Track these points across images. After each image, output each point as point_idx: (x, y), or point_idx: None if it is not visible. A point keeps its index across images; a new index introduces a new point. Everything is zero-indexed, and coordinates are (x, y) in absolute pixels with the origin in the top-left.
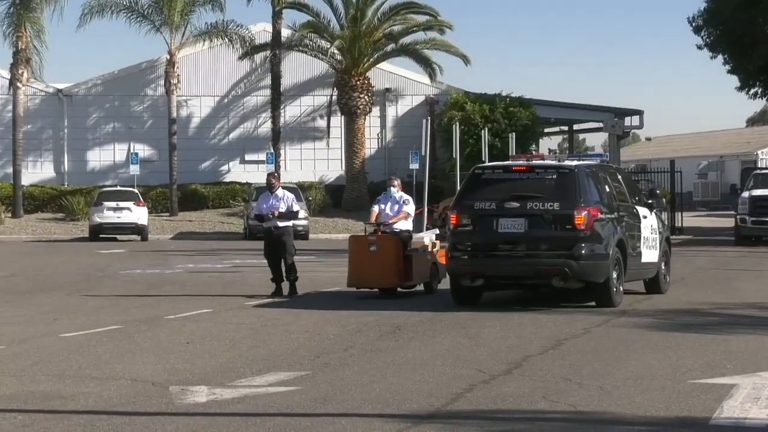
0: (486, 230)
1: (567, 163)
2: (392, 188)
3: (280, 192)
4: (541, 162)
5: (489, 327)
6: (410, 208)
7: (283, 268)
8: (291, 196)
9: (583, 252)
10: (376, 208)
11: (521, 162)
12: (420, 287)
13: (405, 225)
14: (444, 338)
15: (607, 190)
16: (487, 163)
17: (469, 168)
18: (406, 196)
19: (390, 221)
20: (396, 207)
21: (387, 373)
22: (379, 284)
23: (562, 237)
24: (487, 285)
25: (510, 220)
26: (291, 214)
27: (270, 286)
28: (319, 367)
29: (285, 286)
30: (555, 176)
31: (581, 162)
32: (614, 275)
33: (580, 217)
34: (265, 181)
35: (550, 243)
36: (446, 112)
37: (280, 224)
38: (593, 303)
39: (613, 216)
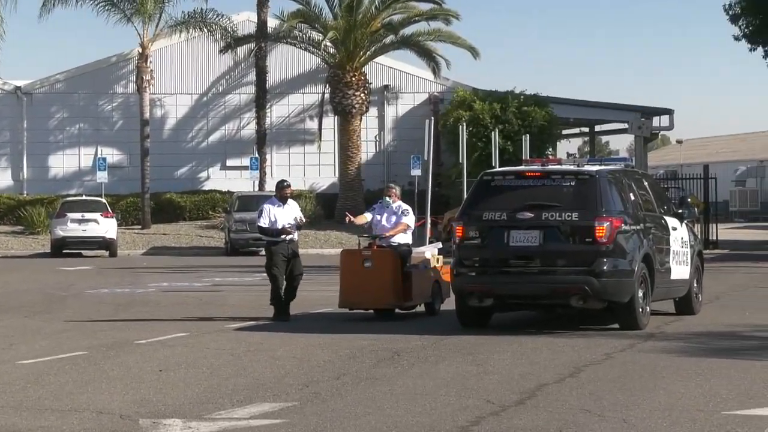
0: (496, 244)
1: (587, 168)
2: (388, 198)
3: (291, 203)
4: (558, 167)
5: (499, 352)
6: (410, 219)
7: (285, 288)
8: (297, 206)
9: (605, 268)
10: (368, 216)
11: (535, 167)
12: (421, 308)
13: (404, 238)
14: (448, 365)
15: (632, 198)
16: (497, 169)
17: (477, 174)
18: (405, 206)
19: (387, 234)
20: (393, 218)
21: (384, 403)
22: (375, 304)
23: (582, 251)
24: (498, 305)
25: (523, 233)
26: (301, 224)
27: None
28: (308, 397)
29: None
30: (573, 183)
31: (603, 167)
32: (640, 294)
33: (601, 229)
34: (275, 189)
35: (568, 258)
36: (452, 111)
37: (296, 237)
38: (616, 325)
39: (638, 227)
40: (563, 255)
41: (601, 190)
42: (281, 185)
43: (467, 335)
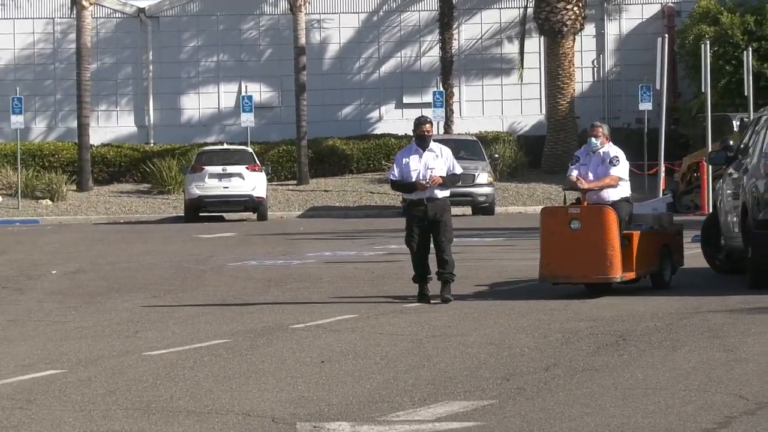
0: None
1: None
2: (594, 139)
3: (436, 147)
4: None
5: (756, 334)
6: (620, 170)
7: (437, 260)
8: (449, 153)
9: None
10: (574, 173)
11: None
12: (646, 280)
13: (620, 192)
14: (689, 351)
15: None
16: None
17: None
18: (614, 152)
19: (587, 185)
20: (600, 169)
21: (606, 401)
22: (586, 278)
23: None
24: None
25: None
26: (453, 179)
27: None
28: (509, 393)
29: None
30: None
31: None
32: None
33: None
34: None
35: None
36: (692, 27)
37: (440, 195)
38: None
39: None
40: None
41: None
42: (417, 122)
43: (714, 312)
